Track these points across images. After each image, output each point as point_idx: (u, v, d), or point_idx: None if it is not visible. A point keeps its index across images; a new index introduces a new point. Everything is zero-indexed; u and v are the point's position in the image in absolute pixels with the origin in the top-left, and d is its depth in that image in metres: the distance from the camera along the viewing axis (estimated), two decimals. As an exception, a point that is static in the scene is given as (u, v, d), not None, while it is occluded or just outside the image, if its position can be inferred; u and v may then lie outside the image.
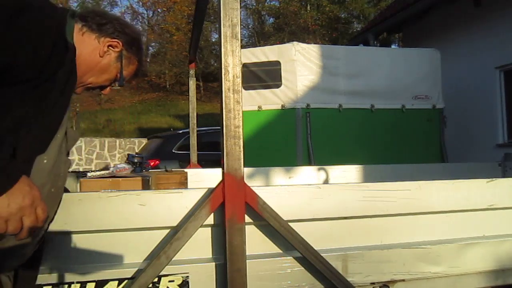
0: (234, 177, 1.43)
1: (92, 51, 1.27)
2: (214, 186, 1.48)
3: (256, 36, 27.44)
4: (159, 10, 27.95)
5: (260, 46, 13.91)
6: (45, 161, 1.09)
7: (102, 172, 2.97)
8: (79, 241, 1.45)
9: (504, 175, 3.65)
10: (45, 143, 1.09)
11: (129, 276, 1.44)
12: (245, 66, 5.47)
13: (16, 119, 0.99)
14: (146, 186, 2.62)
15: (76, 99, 18.72)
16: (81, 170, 9.27)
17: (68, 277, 1.40)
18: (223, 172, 1.44)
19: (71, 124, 17.27)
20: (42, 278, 1.35)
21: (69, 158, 1.26)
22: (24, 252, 1.14)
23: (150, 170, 3.26)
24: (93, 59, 1.28)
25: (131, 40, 1.34)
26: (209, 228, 1.56)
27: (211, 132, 7.89)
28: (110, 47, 1.29)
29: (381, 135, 5.67)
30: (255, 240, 1.57)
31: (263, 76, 5.61)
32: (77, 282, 1.40)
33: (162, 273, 1.43)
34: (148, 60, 28.60)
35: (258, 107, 5.59)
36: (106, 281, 1.42)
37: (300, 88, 5.44)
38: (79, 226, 1.43)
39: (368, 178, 3.65)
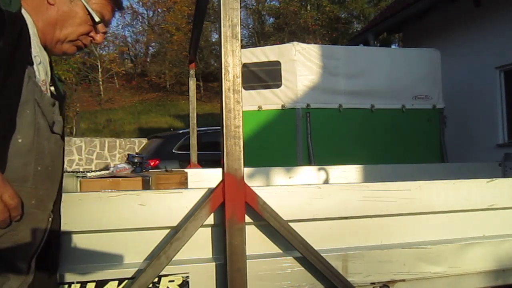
0: (234, 177, 1.43)
1: (43, 7, 1.19)
2: (214, 186, 1.48)
3: (256, 36, 27.45)
4: (159, 10, 27.96)
5: (260, 46, 13.92)
6: (19, 140, 1.06)
7: (102, 172, 2.97)
8: (79, 241, 1.45)
9: (504, 175, 3.65)
10: (10, 121, 1.04)
11: (129, 276, 1.44)
12: (245, 66, 5.47)
13: None
14: (146, 186, 2.62)
15: (76, 99, 18.73)
16: (81, 170, 9.28)
17: (68, 277, 1.40)
18: (223, 172, 1.44)
19: (71, 121, 17.25)
20: (42, 278, 1.35)
21: (57, 134, 1.20)
22: (21, 266, 1.11)
23: (150, 170, 3.26)
24: (50, 13, 1.20)
25: None
26: (209, 228, 1.56)
27: (211, 132, 7.89)
28: None
29: (381, 135, 5.67)
30: (255, 240, 1.57)
31: (263, 76, 5.61)
32: (77, 282, 1.40)
33: (162, 273, 1.43)
34: (148, 60, 28.64)
35: (258, 107, 5.59)
36: (106, 281, 1.42)
37: (300, 88, 5.44)
38: (79, 226, 1.43)
39: (368, 178, 3.65)
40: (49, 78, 1.24)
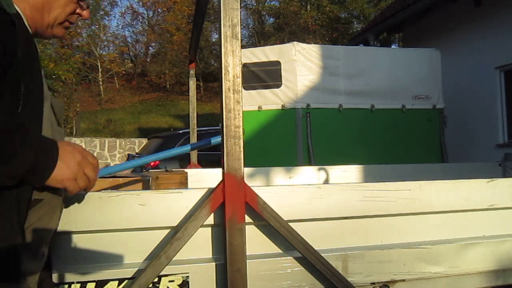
0: (234, 177, 1.42)
1: None
2: (214, 186, 1.47)
3: (256, 36, 27.46)
4: (159, 10, 28.01)
5: (260, 46, 13.91)
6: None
7: (102, 172, 2.96)
8: (79, 241, 1.45)
9: (504, 175, 3.65)
10: (38, 116, 1.09)
11: (129, 276, 1.44)
12: (245, 66, 5.47)
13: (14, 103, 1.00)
14: (146, 186, 2.61)
15: (76, 99, 18.75)
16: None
17: (68, 277, 1.40)
18: (223, 172, 1.43)
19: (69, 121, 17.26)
20: (42, 278, 1.35)
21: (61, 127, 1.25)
22: (44, 251, 1.14)
23: (150, 170, 3.26)
24: None
25: None
26: (209, 228, 1.55)
27: (211, 132, 7.90)
28: None
29: (381, 135, 5.67)
30: (255, 240, 1.57)
31: (263, 76, 5.61)
32: (77, 282, 1.40)
33: (162, 273, 1.43)
34: (148, 60, 28.65)
35: (258, 107, 5.59)
36: (106, 281, 1.42)
37: (300, 88, 5.44)
38: (79, 226, 1.42)
39: (368, 178, 3.65)
40: None
